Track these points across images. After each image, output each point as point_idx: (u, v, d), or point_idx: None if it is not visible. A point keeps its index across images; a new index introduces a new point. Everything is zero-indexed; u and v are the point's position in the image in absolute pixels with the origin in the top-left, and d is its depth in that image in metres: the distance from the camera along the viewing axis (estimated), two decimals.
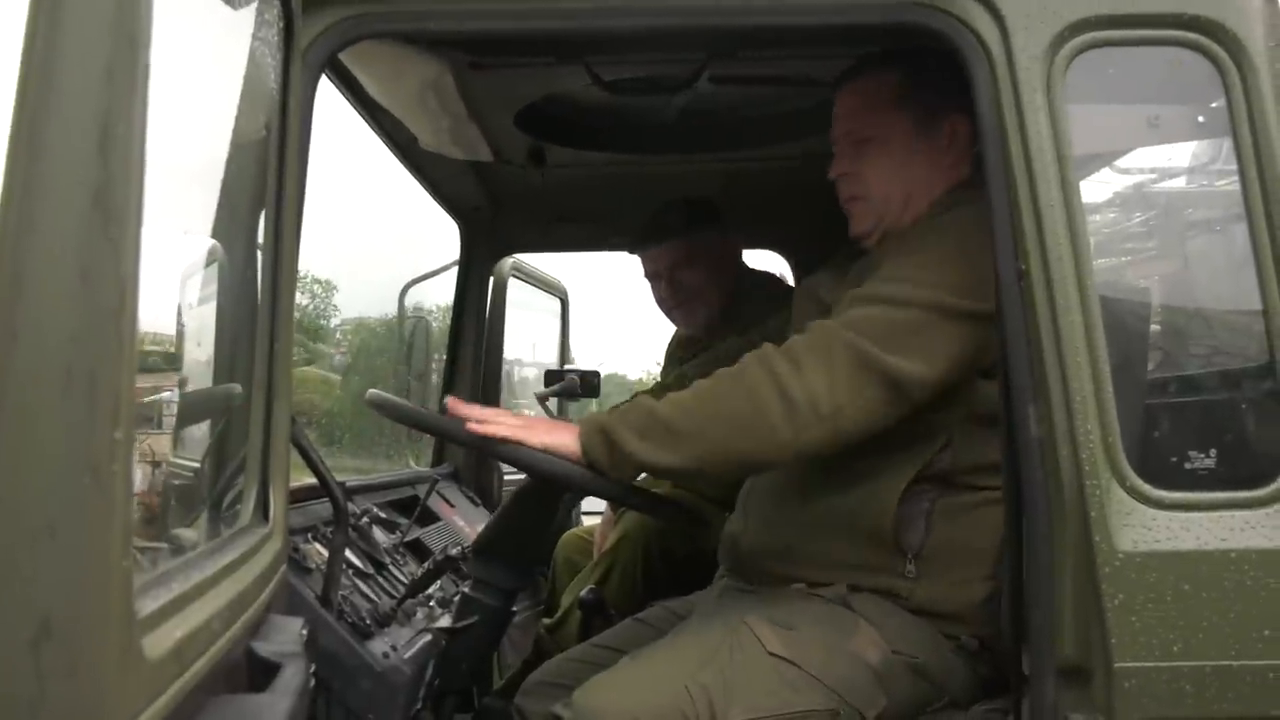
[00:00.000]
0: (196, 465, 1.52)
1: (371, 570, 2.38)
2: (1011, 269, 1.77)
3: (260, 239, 1.60)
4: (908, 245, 2.11)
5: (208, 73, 1.44)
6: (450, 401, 2.14)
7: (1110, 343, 1.73)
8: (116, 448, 0.78)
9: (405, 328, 4.58)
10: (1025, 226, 1.75)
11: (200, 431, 1.59)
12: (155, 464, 1.33)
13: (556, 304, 5.04)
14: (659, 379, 3.75)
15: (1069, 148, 1.76)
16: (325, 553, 2.20)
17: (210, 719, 1.05)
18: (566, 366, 4.90)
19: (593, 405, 5.08)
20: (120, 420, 0.78)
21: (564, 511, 3.48)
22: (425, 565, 2.37)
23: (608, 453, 1.99)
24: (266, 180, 1.59)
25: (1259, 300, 1.75)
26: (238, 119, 1.51)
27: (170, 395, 1.40)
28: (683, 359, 3.47)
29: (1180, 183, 1.98)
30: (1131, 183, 1.97)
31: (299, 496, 2.34)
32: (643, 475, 3.57)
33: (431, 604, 2.46)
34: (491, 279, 4.08)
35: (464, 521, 3.38)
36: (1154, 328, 1.90)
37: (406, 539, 2.74)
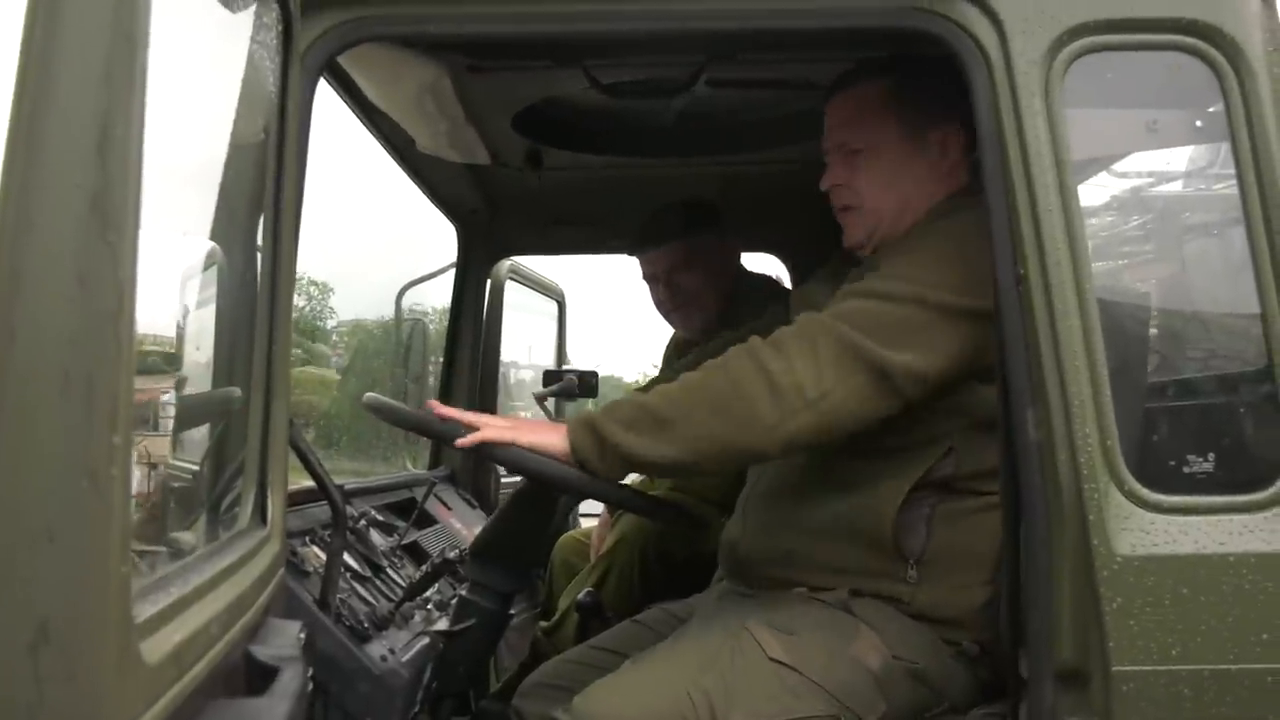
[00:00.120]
0: (195, 468, 1.52)
1: (369, 573, 2.38)
2: (1010, 273, 1.77)
3: (259, 241, 1.60)
4: (905, 246, 2.12)
5: (207, 75, 1.44)
6: (429, 405, 2.13)
7: (1108, 347, 1.73)
8: (115, 451, 0.78)
9: (402, 330, 4.58)
10: (1023, 231, 1.75)
11: (198, 434, 1.59)
12: (153, 467, 1.33)
13: (552, 306, 5.04)
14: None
15: (1067, 152, 1.76)
16: (323, 556, 2.20)
17: None
18: (564, 367, 4.89)
19: (589, 405, 5.08)
20: (118, 424, 0.78)
21: (561, 514, 3.48)
22: (423, 568, 2.37)
23: (596, 447, 1.98)
24: (265, 183, 1.59)
25: (1257, 304, 1.75)
26: (236, 122, 1.51)
27: (168, 397, 1.40)
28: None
29: (1178, 187, 1.98)
30: (1130, 187, 1.97)
31: (297, 499, 2.34)
32: (640, 478, 3.62)
33: (429, 607, 2.46)
34: (489, 281, 4.08)
35: (461, 524, 3.38)
36: (1152, 332, 1.90)
37: (404, 542, 2.74)
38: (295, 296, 1.95)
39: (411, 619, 2.33)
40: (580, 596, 3.20)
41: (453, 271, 4.06)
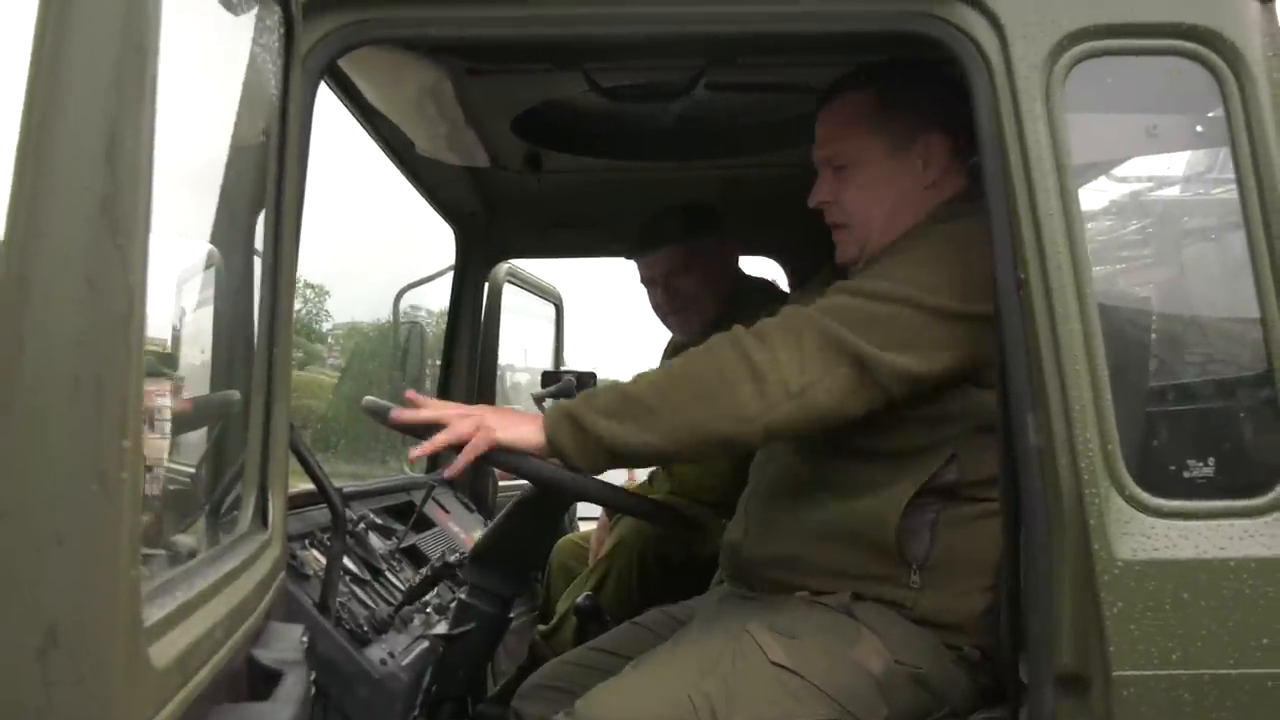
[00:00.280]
0: (197, 471, 1.52)
1: (368, 577, 2.38)
2: (1010, 277, 1.77)
3: (259, 244, 1.60)
4: (898, 249, 2.12)
5: (209, 78, 1.44)
6: (409, 395, 2.09)
7: (1109, 351, 1.73)
8: (125, 455, 0.78)
9: (400, 333, 4.57)
10: (1024, 235, 1.76)
11: (200, 437, 1.59)
12: (149, 469, 1.33)
13: (548, 309, 5.03)
14: None
15: (1068, 156, 1.76)
16: (322, 559, 2.20)
17: None
18: (562, 369, 4.89)
19: None
20: (128, 428, 0.78)
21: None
22: (422, 572, 2.37)
23: (575, 438, 1.96)
24: (266, 185, 1.59)
25: (1257, 309, 1.75)
26: (238, 124, 1.51)
27: (169, 400, 1.40)
28: None
29: (1179, 192, 1.98)
30: (1130, 191, 1.97)
31: (296, 502, 2.34)
32: (641, 481, 3.61)
33: (428, 610, 2.46)
34: (487, 284, 4.08)
35: (459, 527, 3.38)
36: (1153, 336, 1.90)
37: (402, 545, 2.74)
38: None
39: (411, 622, 2.32)
40: (579, 599, 3.19)
41: (450, 274, 4.06)
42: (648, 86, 2.76)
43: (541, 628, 3.44)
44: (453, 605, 2.37)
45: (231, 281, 1.59)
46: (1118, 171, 1.95)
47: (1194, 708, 1.68)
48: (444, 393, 3.98)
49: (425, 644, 2.21)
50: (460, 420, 1.99)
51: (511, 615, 2.37)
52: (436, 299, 4.47)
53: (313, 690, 1.46)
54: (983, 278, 1.88)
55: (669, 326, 3.59)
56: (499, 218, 3.85)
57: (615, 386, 2.01)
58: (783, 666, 1.94)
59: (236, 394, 1.59)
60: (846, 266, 2.27)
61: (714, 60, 2.51)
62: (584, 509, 4.17)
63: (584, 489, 2.08)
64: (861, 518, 2.07)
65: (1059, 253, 1.74)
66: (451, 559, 2.28)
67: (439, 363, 4.12)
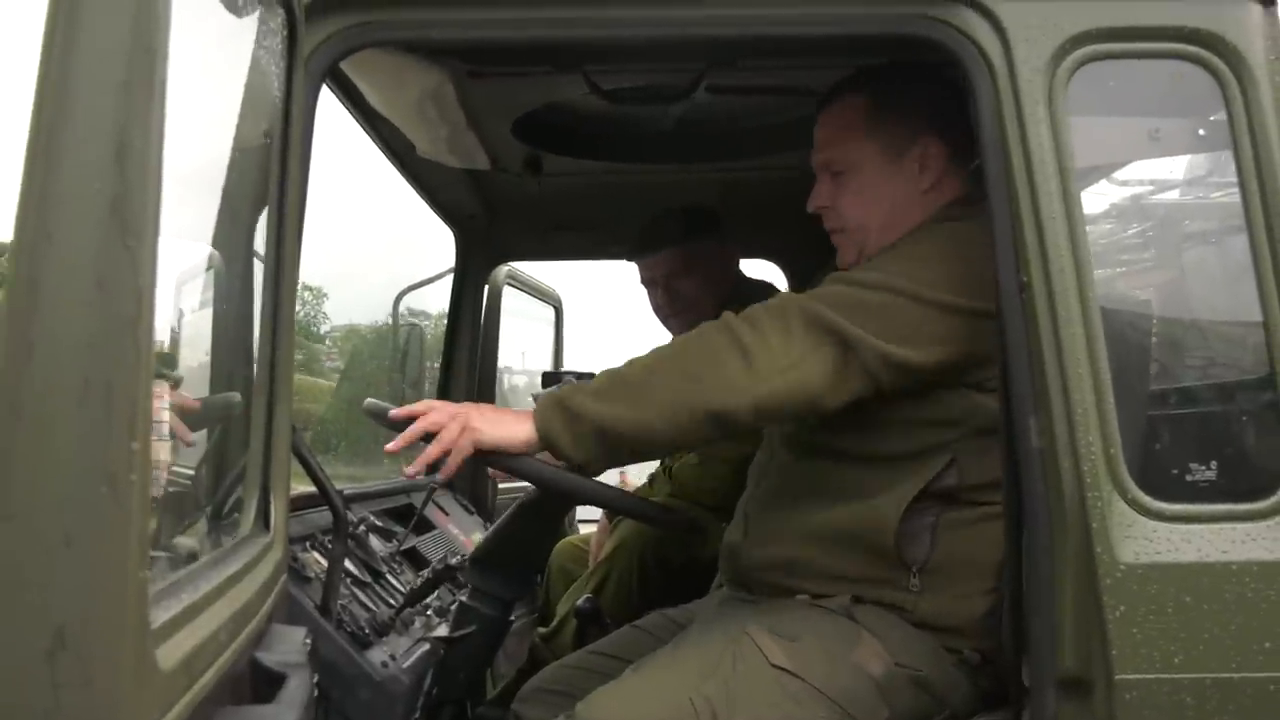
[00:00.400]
0: (199, 473, 1.51)
1: (369, 579, 2.38)
2: (1013, 280, 1.77)
3: (261, 246, 1.60)
4: (897, 247, 2.13)
5: (212, 80, 1.44)
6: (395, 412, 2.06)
7: (1111, 354, 1.73)
8: (134, 457, 0.77)
9: (400, 335, 4.57)
10: (1027, 238, 1.76)
11: (202, 439, 1.58)
12: (158, 472, 1.33)
13: (547, 311, 5.03)
14: None
15: (1071, 160, 1.76)
16: (323, 561, 2.19)
17: None
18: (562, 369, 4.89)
19: None
20: (137, 430, 0.78)
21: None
22: (423, 574, 2.36)
23: (566, 424, 1.95)
24: (268, 188, 1.59)
25: (1259, 312, 1.76)
26: (240, 126, 1.50)
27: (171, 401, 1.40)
28: None
29: (1181, 195, 1.99)
30: (1133, 195, 1.97)
31: (296, 504, 2.34)
32: (640, 484, 3.61)
33: (429, 613, 2.45)
34: (486, 287, 4.08)
35: (458, 530, 3.38)
36: (1155, 340, 1.90)
37: (403, 547, 2.73)
38: None
39: (411, 625, 2.32)
40: (579, 602, 3.19)
41: (450, 277, 4.06)
42: (648, 89, 2.76)
43: (541, 630, 3.44)
44: (453, 608, 2.36)
45: (232, 283, 1.59)
46: (1120, 174, 1.95)
47: (1196, 711, 1.68)
48: (444, 395, 3.98)
49: (426, 646, 2.20)
50: (446, 426, 1.98)
51: (512, 618, 2.36)
52: (435, 301, 4.47)
53: (315, 693, 1.46)
54: (981, 275, 1.88)
55: (669, 328, 3.60)
56: (499, 220, 3.85)
57: (606, 371, 2.01)
58: (783, 669, 1.94)
59: (238, 396, 1.59)
60: (848, 270, 2.28)
61: (715, 63, 2.51)
62: (584, 511, 4.17)
63: (582, 489, 2.07)
64: (861, 521, 2.07)
65: (1061, 256, 1.74)
66: (453, 561, 2.28)
67: (437, 364, 4.12)
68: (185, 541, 1.34)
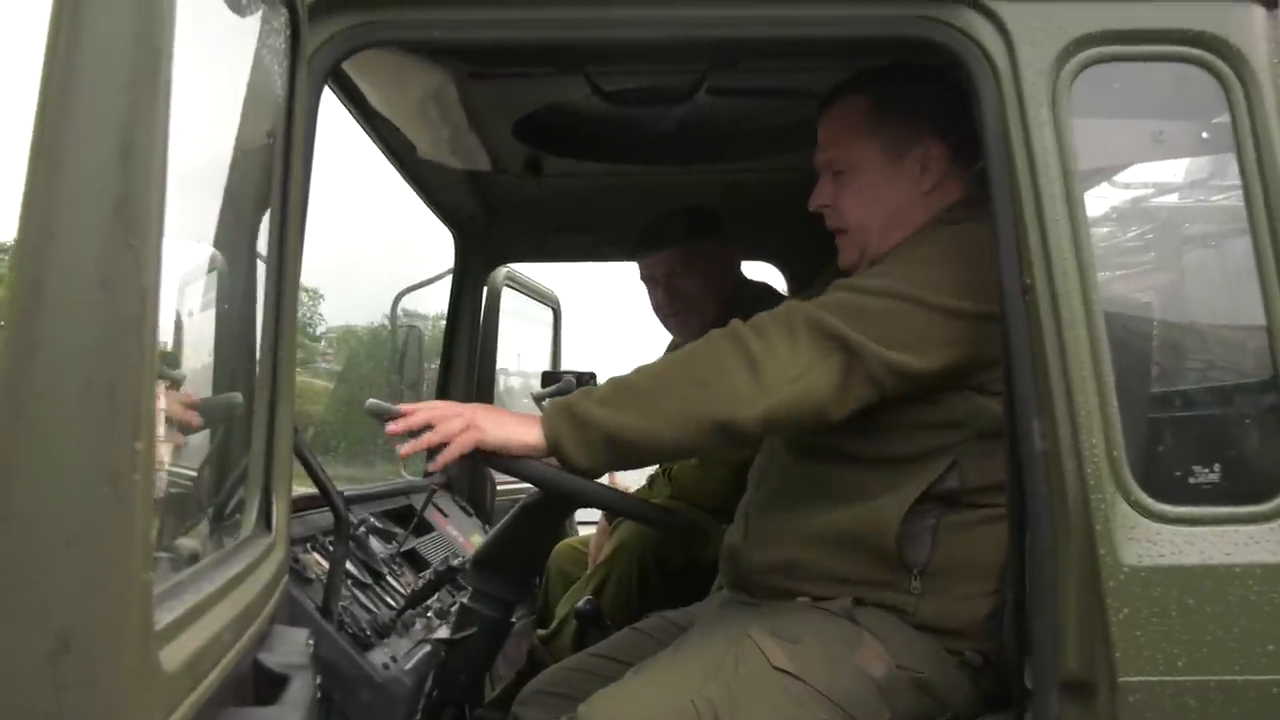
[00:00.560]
0: (200, 474, 1.51)
1: (369, 580, 2.37)
2: (1016, 282, 1.77)
3: (264, 246, 1.59)
4: (900, 250, 2.13)
5: (214, 79, 1.43)
6: (402, 409, 2.05)
7: (1114, 356, 1.73)
8: (137, 457, 0.77)
9: (398, 336, 4.56)
10: (1030, 240, 1.75)
11: (203, 440, 1.58)
12: (160, 472, 1.32)
13: (542, 312, 5.03)
14: None
15: (1074, 162, 1.76)
16: (324, 563, 2.19)
17: None
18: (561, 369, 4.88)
19: None
20: (141, 430, 0.78)
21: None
22: (425, 576, 2.36)
23: (574, 429, 1.95)
24: (271, 187, 1.58)
25: (1263, 315, 1.75)
26: (243, 126, 1.50)
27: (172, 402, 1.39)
28: None
29: (1185, 198, 1.98)
30: (1136, 197, 1.97)
31: (297, 506, 2.33)
32: (640, 485, 3.60)
33: (429, 615, 2.45)
34: (485, 288, 4.07)
35: (458, 531, 3.37)
36: (1158, 342, 1.89)
37: (403, 549, 2.73)
38: None
39: (412, 627, 2.32)
40: (580, 604, 3.19)
41: (449, 278, 4.05)
42: (650, 91, 2.76)
43: (541, 632, 3.43)
44: (453, 609, 2.36)
45: (234, 283, 1.58)
46: (1124, 177, 1.95)
47: (1200, 714, 1.68)
48: (442, 396, 3.97)
49: (427, 648, 2.20)
50: (449, 419, 1.98)
51: (512, 620, 2.36)
52: (432, 303, 4.47)
53: (318, 694, 1.45)
54: (984, 278, 1.88)
55: (668, 328, 3.60)
56: (498, 222, 3.85)
57: (613, 379, 2.01)
58: (785, 671, 1.94)
59: (239, 396, 1.59)
60: (848, 271, 2.27)
61: (717, 65, 2.51)
62: (583, 513, 4.16)
63: (583, 491, 2.07)
64: (862, 524, 2.06)
65: (1065, 258, 1.74)
66: (455, 563, 2.27)
67: (433, 366, 4.12)
68: (187, 542, 1.33)
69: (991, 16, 1.80)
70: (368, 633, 2.08)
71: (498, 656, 2.58)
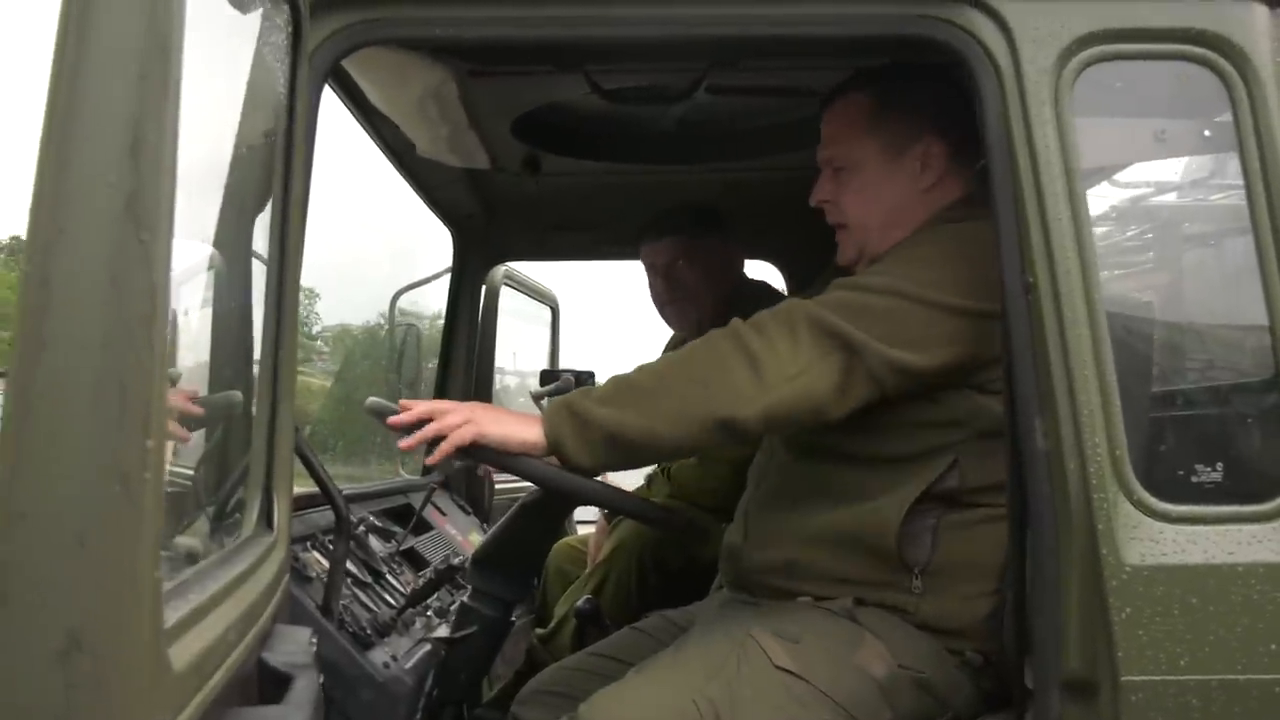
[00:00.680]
0: (202, 473, 1.50)
1: (369, 579, 2.37)
2: (1018, 281, 1.77)
3: (265, 244, 1.58)
4: (901, 249, 2.12)
5: (216, 76, 1.43)
6: (403, 404, 2.05)
7: (1117, 356, 1.73)
8: (147, 455, 0.76)
9: (396, 335, 4.55)
10: (1032, 239, 1.75)
11: (203, 438, 1.57)
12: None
13: (542, 311, 5.02)
14: None
15: (1076, 160, 1.76)
16: (324, 562, 2.19)
17: None
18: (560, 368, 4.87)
19: None
20: (151, 428, 0.77)
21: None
22: (425, 575, 2.36)
23: (574, 428, 1.94)
24: (271, 185, 1.58)
25: (1265, 314, 1.75)
26: (244, 122, 1.49)
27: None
28: None
29: (1187, 196, 1.98)
30: (1138, 196, 1.97)
31: (297, 504, 2.33)
32: (639, 485, 3.60)
33: (429, 613, 2.44)
34: (484, 287, 4.07)
35: (456, 530, 3.37)
36: (1160, 341, 1.89)
37: (402, 548, 2.73)
38: None
39: (412, 625, 2.31)
40: (579, 603, 3.18)
41: (447, 277, 4.05)
42: (650, 89, 2.76)
43: (539, 631, 3.43)
44: (453, 608, 2.35)
45: (233, 282, 1.58)
46: (1126, 176, 1.95)
47: (1202, 713, 1.68)
48: (441, 395, 3.97)
49: (427, 647, 2.20)
50: (449, 414, 1.98)
51: (512, 619, 2.36)
52: (429, 302, 4.45)
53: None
54: (985, 276, 1.88)
55: (665, 317, 3.59)
56: (497, 220, 3.84)
57: (613, 378, 2.00)
58: (787, 671, 1.93)
59: (239, 395, 1.58)
60: (847, 268, 2.27)
61: (718, 63, 2.51)
62: (581, 512, 4.16)
63: (583, 489, 2.06)
64: (862, 523, 2.06)
65: (1067, 257, 1.73)
66: (455, 562, 2.27)
67: (431, 365, 4.11)
68: (189, 541, 1.33)
69: (994, 15, 1.80)
70: (368, 632, 2.08)
71: (497, 656, 2.58)
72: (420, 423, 1.98)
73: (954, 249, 2.04)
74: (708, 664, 1.96)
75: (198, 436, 1.55)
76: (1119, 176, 1.95)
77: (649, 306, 3.60)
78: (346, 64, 2.12)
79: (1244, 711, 1.68)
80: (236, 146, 1.50)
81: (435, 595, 2.47)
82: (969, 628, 2.02)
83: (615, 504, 2.26)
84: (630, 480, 3.72)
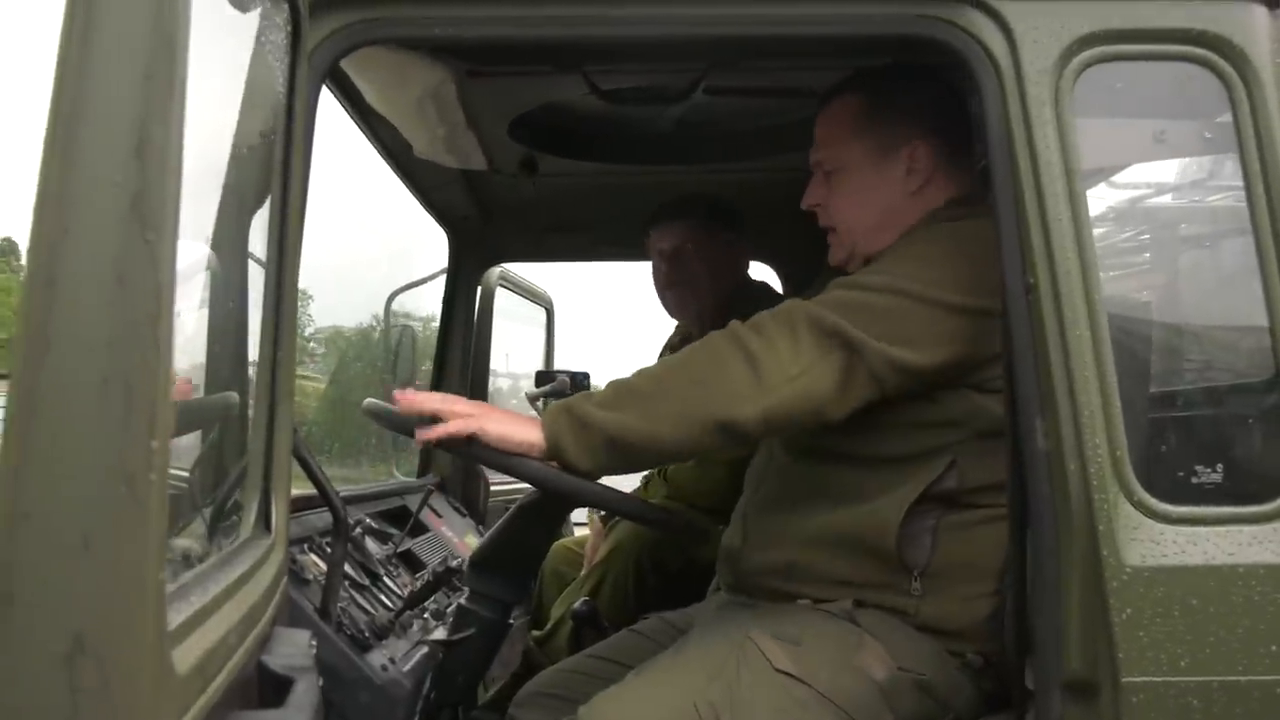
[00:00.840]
0: (200, 474, 1.50)
1: (367, 582, 2.36)
2: (1019, 282, 1.76)
3: (263, 244, 1.58)
4: (898, 248, 2.13)
5: (214, 75, 1.42)
6: (397, 394, 2.05)
7: (1117, 357, 1.73)
8: (153, 456, 0.76)
9: (391, 336, 4.54)
10: (1033, 239, 1.75)
11: (201, 440, 1.57)
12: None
13: (534, 311, 5.01)
14: None
15: (1077, 161, 1.75)
16: (322, 564, 2.18)
17: None
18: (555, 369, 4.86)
19: None
20: (157, 428, 0.76)
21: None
22: (423, 577, 2.35)
23: (573, 430, 1.93)
24: (269, 185, 1.57)
25: (1265, 315, 1.75)
26: (242, 122, 1.49)
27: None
28: None
29: (1187, 197, 1.98)
30: (1139, 197, 1.97)
31: (294, 506, 2.32)
32: (636, 487, 3.60)
33: (426, 616, 2.44)
34: (479, 288, 4.06)
35: (451, 532, 3.36)
36: (1161, 342, 1.89)
37: (399, 550, 2.72)
38: None
39: (410, 628, 2.30)
40: (576, 605, 3.18)
41: (441, 278, 4.04)
42: (648, 90, 2.76)
43: (535, 634, 3.42)
44: (450, 611, 2.35)
45: (231, 282, 1.57)
46: (1126, 176, 1.95)
47: (1203, 714, 1.68)
48: None
49: (425, 649, 2.19)
50: (458, 404, 1.98)
51: (510, 621, 2.35)
52: (424, 303, 4.45)
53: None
54: (984, 274, 1.88)
55: (665, 302, 3.59)
56: (493, 221, 3.84)
57: (612, 382, 2.00)
58: (787, 673, 1.93)
59: (235, 396, 1.57)
60: (839, 269, 2.27)
61: (717, 64, 2.50)
62: (579, 514, 4.15)
63: (582, 490, 2.05)
64: (861, 525, 2.06)
65: (1068, 257, 1.73)
66: (453, 564, 2.26)
67: (425, 367, 4.10)
68: (189, 543, 1.32)
69: (994, 15, 1.79)
70: (366, 634, 2.07)
71: (495, 658, 2.57)
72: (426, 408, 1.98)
73: (953, 247, 2.03)
74: (708, 666, 1.96)
75: (194, 437, 1.54)
76: (1119, 177, 1.95)
77: (644, 308, 3.60)
78: (344, 64, 2.11)
79: (1245, 713, 1.68)
80: (235, 146, 1.49)
81: (432, 597, 2.46)
82: (969, 629, 2.01)
83: (613, 505, 2.25)
84: (627, 482, 3.72)
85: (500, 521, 2.24)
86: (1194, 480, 1.76)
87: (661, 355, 3.77)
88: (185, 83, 0.81)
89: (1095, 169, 1.83)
